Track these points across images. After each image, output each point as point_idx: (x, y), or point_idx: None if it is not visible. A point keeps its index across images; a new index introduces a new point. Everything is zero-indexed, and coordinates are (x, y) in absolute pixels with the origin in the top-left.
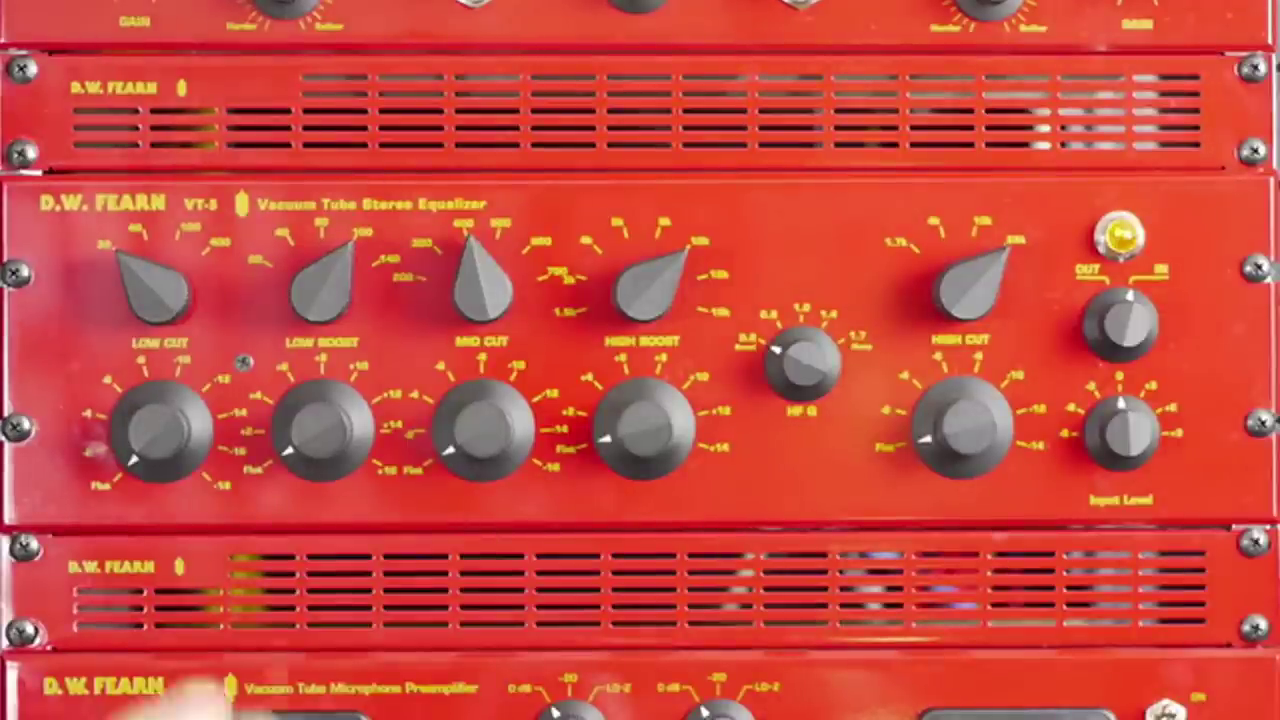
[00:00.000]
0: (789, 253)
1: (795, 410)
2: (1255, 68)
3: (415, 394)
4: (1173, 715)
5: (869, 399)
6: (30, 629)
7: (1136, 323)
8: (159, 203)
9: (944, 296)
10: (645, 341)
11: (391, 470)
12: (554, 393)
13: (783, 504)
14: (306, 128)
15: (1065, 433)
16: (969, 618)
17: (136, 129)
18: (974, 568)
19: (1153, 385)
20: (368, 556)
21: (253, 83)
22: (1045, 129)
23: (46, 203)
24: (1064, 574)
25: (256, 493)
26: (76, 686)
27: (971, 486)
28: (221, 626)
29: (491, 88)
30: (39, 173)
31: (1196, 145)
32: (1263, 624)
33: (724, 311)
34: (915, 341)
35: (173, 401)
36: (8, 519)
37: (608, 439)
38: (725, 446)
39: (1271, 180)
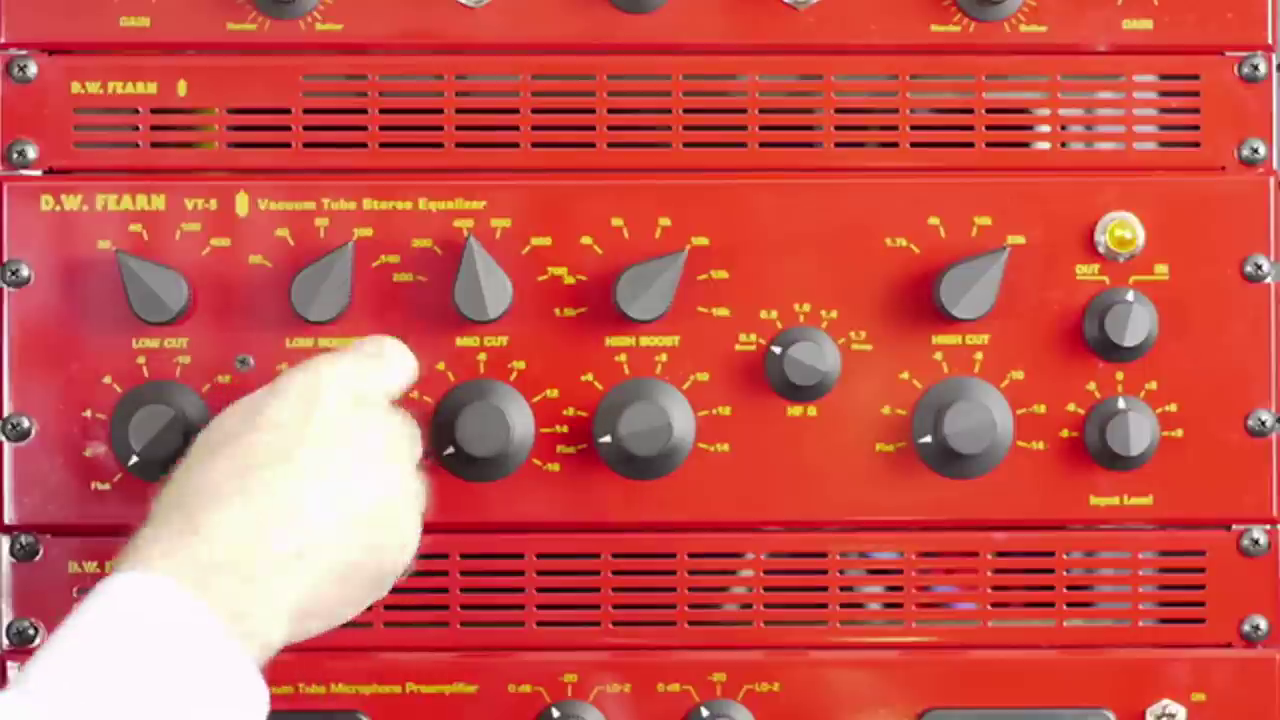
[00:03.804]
0: (789, 253)
1: (795, 410)
2: (1255, 68)
3: (415, 394)
4: (1173, 715)
5: (869, 399)
6: (30, 629)
7: (1136, 323)
8: (159, 203)
9: (944, 296)
10: (645, 341)
11: None
12: (554, 393)
13: (783, 504)
14: (306, 128)
15: (1065, 433)
16: (969, 618)
17: (136, 129)
18: (974, 568)
19: (1153, 385)
20: None
21: (253, 83)
22: (1045, 129)
23: (46, 203)
24: (1064, 574)
25: None
26: None
27: (971, 486)
28: None
29: (491, 88)
30: (39, 173)
31: (1196, 145)
32: (1263, 624)
33: (724, 311)
34: (915, 341)
35: (173, 401)
36: (8, 519)
37: (608, 439)
38: (725, 446)
39: (1271, 180)
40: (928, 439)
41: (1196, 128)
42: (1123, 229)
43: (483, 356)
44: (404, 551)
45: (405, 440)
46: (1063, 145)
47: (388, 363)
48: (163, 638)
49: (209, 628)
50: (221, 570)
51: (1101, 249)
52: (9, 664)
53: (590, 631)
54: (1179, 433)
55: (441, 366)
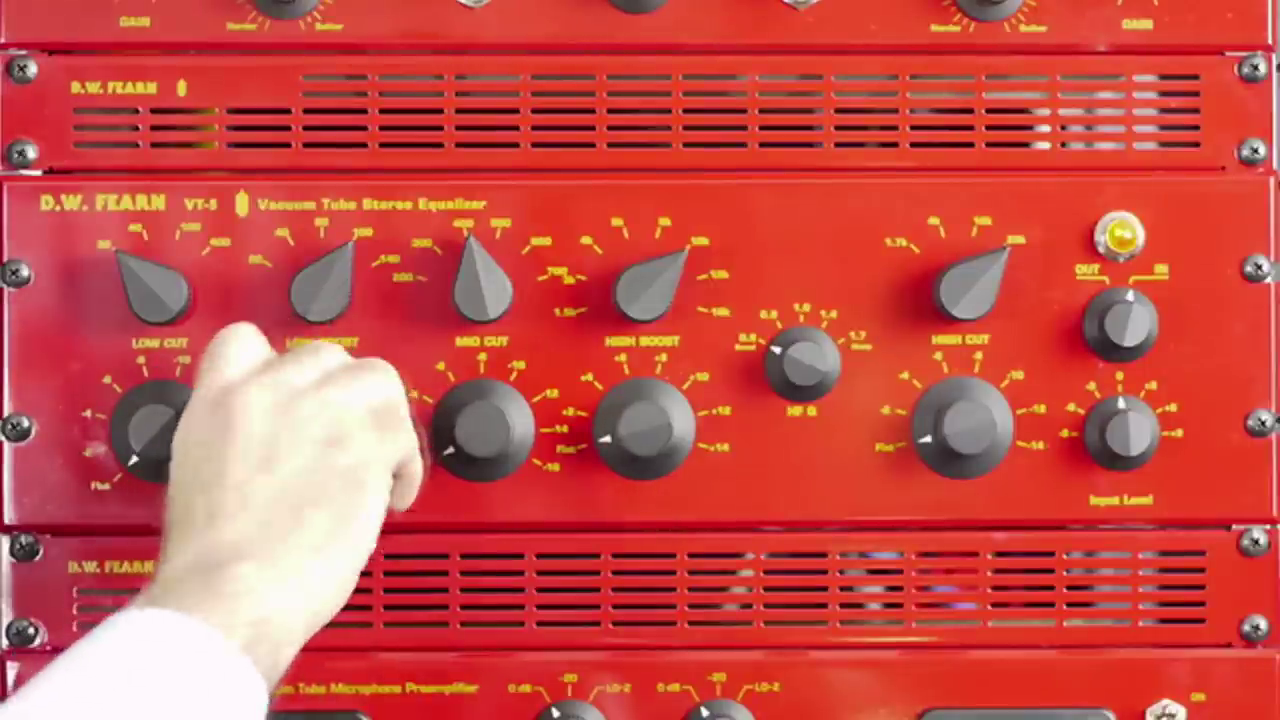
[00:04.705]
0: (789, 253)
1: (795, 410)
2: (1255, 68)
3: (415, 394)
4: (1173, 715)
5: (869, 399)
6: (30, 629)
7: (1136, 323)
8: (159, 203)
9: (944, 296)
10: (645, 341)
11: None
12: (554, 393)
13: (783, 504)
14: (306, 128)
15: (1065, 433)
16: (969, 618)
17: (136, 129)
18: (974, 568)
19: (1153, 385)
20: None
21: (253, 83)
22: (1045, 129)
23: (46, 203)
24: (1064, 574)
25: None
26: None
27: (971, 486)
28: None
29: (491, 88)
30: (39, 173)
31: (1196, 145)
32: (1263, 624)
33: (724, 311)
34: (915, 341)
35: (173, 401)
36: (8, 519)
37: (608, 439)
38: (725, 446)
39: (1271, 180)
40: (928, 439)
41: (1196, 128)
42: (1123, 229)
43: (483, 356)
44: (368, 465)
45: (347, 406)
46: (1063, 145)
47: (296, 358)
48: (150, 649)
49: (183, 625)
50: (187, 576)
51: (1101, 249)
52: (9, 664)
53: (590, 631)
54: (1179, 433)
55: (441, 366)
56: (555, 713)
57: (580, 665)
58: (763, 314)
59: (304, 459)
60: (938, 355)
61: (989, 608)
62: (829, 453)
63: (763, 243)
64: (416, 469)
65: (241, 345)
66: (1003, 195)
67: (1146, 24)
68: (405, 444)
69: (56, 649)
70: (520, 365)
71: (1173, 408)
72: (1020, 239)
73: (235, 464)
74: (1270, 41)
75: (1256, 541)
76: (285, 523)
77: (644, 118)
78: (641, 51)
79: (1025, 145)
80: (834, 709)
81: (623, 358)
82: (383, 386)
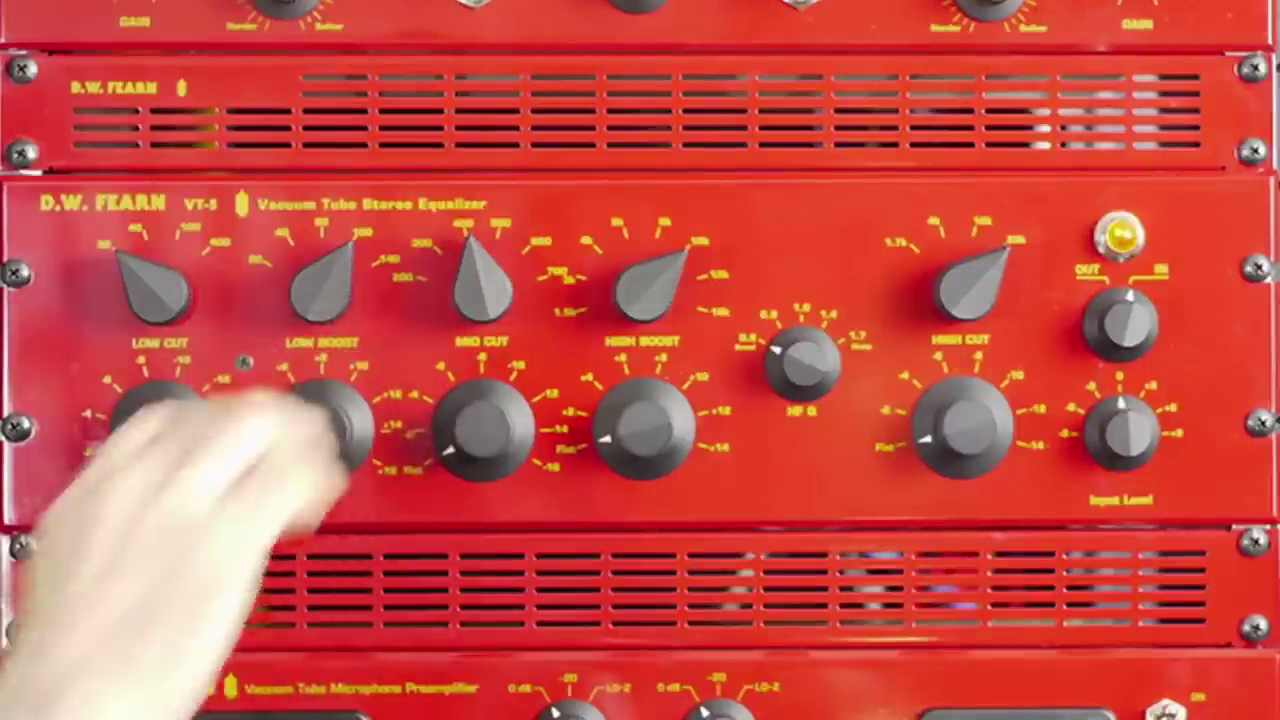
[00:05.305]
0: (789, 253)
1: (795, 410)
2: (1255, 68)
3: (415, 394)
4: (1173, 715)
5: (869, 399)
6: None
7: (1136, 323)
8: (159, 203)
9: (944, 296)
10: (645, 341)
11: (391, 470)
12: (554, 393)
13: (783, 504)
14: (306, 128)
15: (1065, 433)
16: (969, 618)
17: (136, 129)
18: (974, 568)
19: (1153, 385)
20: (368, 556)
21: (253, 83)
22: (1045, 129)
23: (46, 203)
24: (1064, 574)
25: None
26: None
27: (971, 486)
28: None
29: (491, 88)
30: (39, 173)
31: (1196, 145)
32: (1263, 624)
33: (724, 311)
34: (915, 341)
35: None
36: (8, 519)
37: (608, 439)
38: (725, 446)
39: (1271, 180)
40: (928, 439)
41: (1196, 128)
42: (1123, 229)
43: (483, 356)
44: (217, 566)
45: (207, 493)
46: (1063, 145)
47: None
48: None
49: None
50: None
51: (1101, 249)
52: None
53: (590, 631)
54: (1179, 433)
55: (441, 366)
56: (555, 713)
57: (580, 665)
58: (763, 314)
59: (152, 572)
60: (938, 355)
61: (989, 608)
62: (829, 453)
63: (763, 243)
64: (314, 506)
65: (140, 428)
66: (1003, 195)
67: (1146, 24)
68: (294, 497)
69: None
70: (520, 365)
71: (1173, 408)
72: (1020, 239)
73: (87, 567)
74: (1270, 41)
75: (1256, 541)
76: (129, 640)
77: (644, 118)
78: (641, 51)
79: (1025, 145)
80: (834, 709)
81: (623, 358)
82: (255, 439)
